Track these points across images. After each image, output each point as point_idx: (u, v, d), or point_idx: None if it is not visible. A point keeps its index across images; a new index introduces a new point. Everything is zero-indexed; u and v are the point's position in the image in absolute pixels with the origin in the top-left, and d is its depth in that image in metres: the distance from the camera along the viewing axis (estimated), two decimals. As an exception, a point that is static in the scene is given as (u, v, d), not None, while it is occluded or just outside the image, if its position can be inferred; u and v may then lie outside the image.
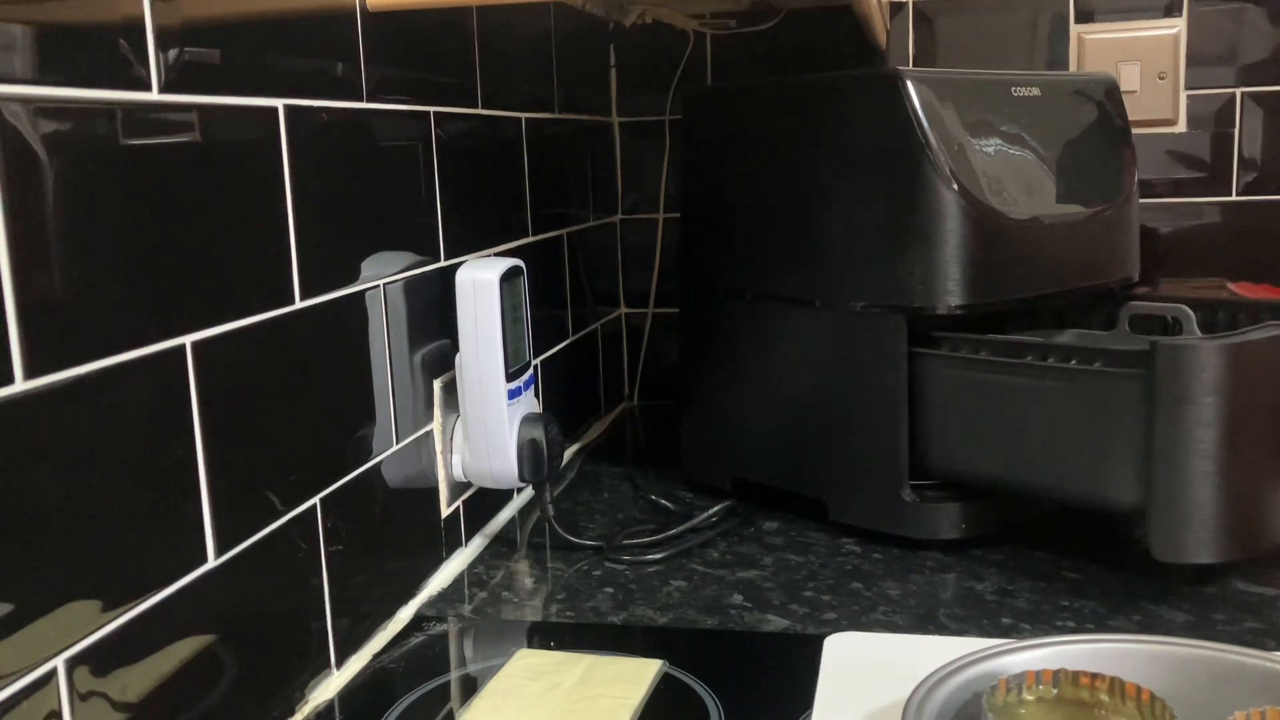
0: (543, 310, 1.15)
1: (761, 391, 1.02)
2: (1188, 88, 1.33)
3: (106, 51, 0.54)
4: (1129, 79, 1.32)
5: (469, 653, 0.80)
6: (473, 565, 0.93)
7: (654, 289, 1.48)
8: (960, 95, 0.91)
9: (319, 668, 0.73)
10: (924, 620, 0.80)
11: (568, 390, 1.25)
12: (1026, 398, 0.86)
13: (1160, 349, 0.78)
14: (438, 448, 0.90)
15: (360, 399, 0.78)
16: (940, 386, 0.90)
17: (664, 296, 1.47)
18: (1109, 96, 1.04)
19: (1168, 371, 0.78)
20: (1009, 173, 0.92)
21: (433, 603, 0.86)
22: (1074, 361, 0.83)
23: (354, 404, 0.77)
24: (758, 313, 1.01)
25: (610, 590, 0.87)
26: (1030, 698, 0.59)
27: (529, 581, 0.90)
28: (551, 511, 0.95)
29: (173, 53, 0.58)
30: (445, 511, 0.92)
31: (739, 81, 1.37)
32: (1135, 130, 1.07)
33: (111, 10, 0.54)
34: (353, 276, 0.77)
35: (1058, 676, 0.59)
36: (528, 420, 0.92)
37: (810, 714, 0.66)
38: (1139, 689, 0.57)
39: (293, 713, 0.69)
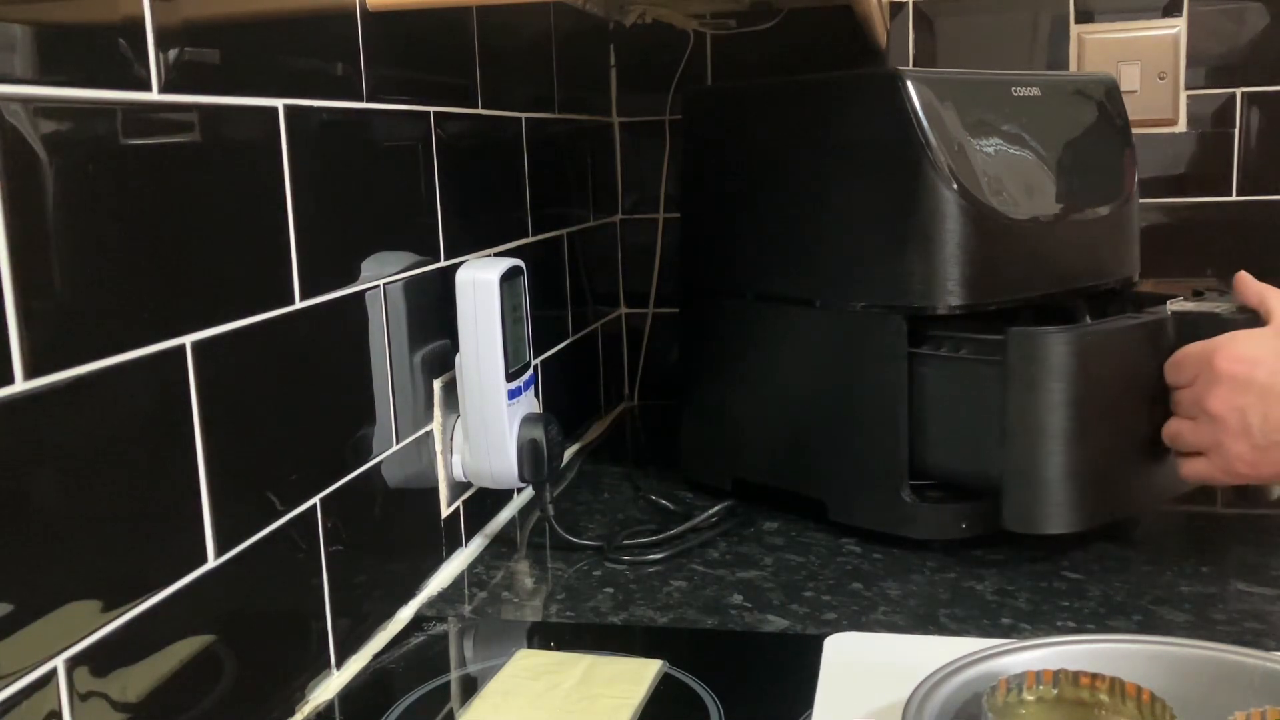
0: (543, 310, 1.15)
1: (761, 391, 1.02)
2: (1188, 88, 1.33)
3: (106, 51, 0.54)
4: (1129, 79, 1.32)
5: (469, 653, 0.80)
6: (473, 565, 0.93)
7: (654, 289, 1.48)
8: (960, 95, 0.91)
9: (319, 668, 0.73)
10: (924, 620, 0.80)
11: (568, 390, 1.25)
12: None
13: (1012, 337, 0.84)
14: (438, 448, 0.90)
15: (360, 399, 0.78)
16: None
17: (664, 296, 1.47)
18: (1109, 96, 1.04)
19: (1018, 359, 0.84)
20: (1009, 173, 0.92)
21: (433, 603, 0.86)
22: (964, 351, 0.90)
23: (354, 404, 0.77)
24: (758, 313, 1.01)
25: (610, 590, 0.87)
26: (1030, 698, 0.59)
27: (529, 581, 0.90)
28: (551, 511, 0.95)
29: (173, 53, 0.58)
30: (445, 511, 0.92)
31: (739, 81, 1.37)
32: (1135, 130, 1.07)
33: (111, 10, 0.54)
34: (353, 276, 0.77)
35: (1058, 676, 0.59)
36: (528, 420, 0.92)
37: (810, 714, 0.66)
38: (1139, 689, 0.57)
39: (293, 713, 0.69)
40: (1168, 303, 0.89)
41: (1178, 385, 0.84)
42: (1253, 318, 0.85)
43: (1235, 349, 0.80)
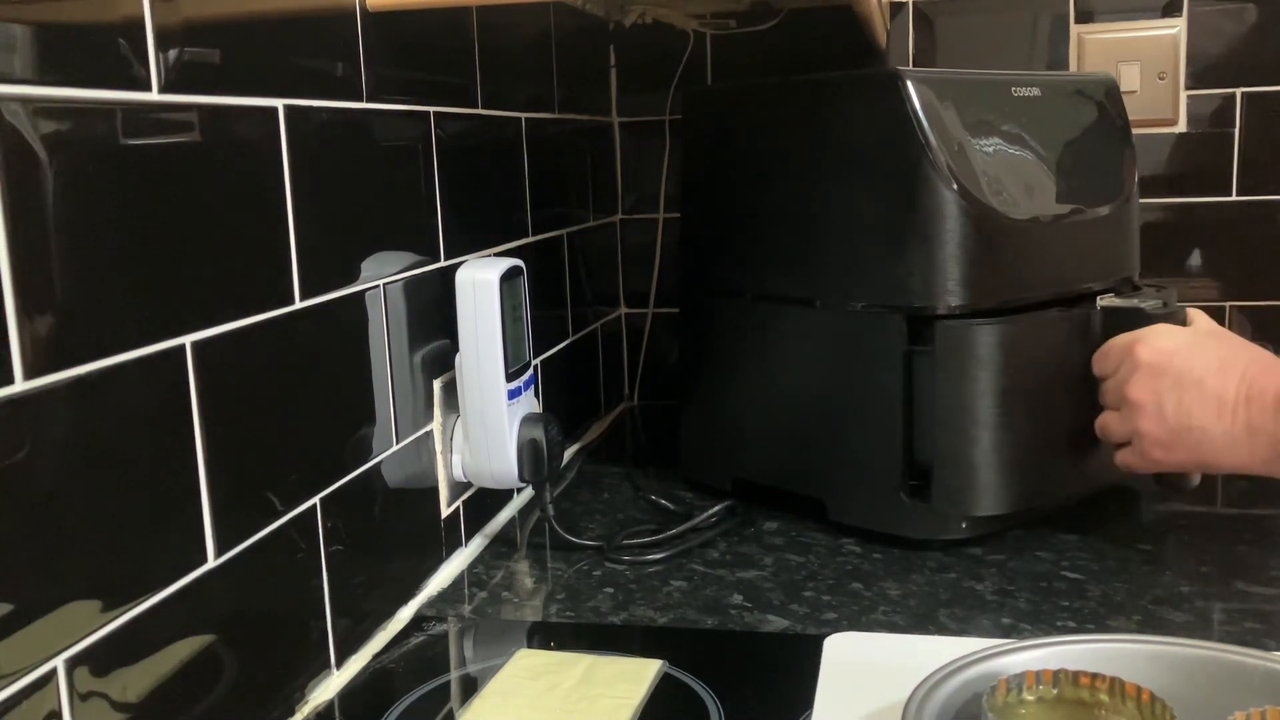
0: (543, 310, 1.15)
1: (761, 391, 1.02)
2: (1188, 88, 1.33)
3: (106, 51, 0.54)
4: (1129, 79, 1.32)
5: (469, 653, 0.80)
6: (473, 565, 0.93)
7: (654, 289, 1.48)
8: (960, 95, 0.91)
9: (319, 668, 0.73)
10: (924, 620, 0.80)
11: (568, 390, 1.25)
12: None
13: (939, 328, 0.87)
14: (438, 448, 0.90)
15: (360, 399, 0.78)
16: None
17: (664, 296, 1.47)
18: (1109, 96, 1.04)
19: (946, 348, 0.87)
20: (1009, 173, 0.92)
21: (433, 603, 0.86)
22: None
23: (354, 404, 0.77)
24: (758, 313, 1.01)
25: (610, 590, 0.87)
26: (1030, 698, 0.59)
27: (529, 581, 0.90)
28: (551, 511, 0.95)
29: (173, 53, 0.58)
30: (445, 511, 0.92)
31: (739, 81, 1.37)
32: (1135, 130, 1.07)
33: (111, 10, 0.54)
34: (353, 276, 0.77)
35: (1058, 676, 0.59)
36: (528, 420, 0.92)
37: (810, 714, 0.66)
38: (1139, 689, 0.57)
39: (293, 713, 0.69)
40: (1098, 298, 0.93)
41: (1104, 376, 0.89)
42: (1175, 314, 0.90)
43: (1154, 340, 0.85)
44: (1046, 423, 0.91)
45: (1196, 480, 0.94)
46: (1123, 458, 0.88)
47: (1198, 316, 0.92)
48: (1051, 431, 0.91)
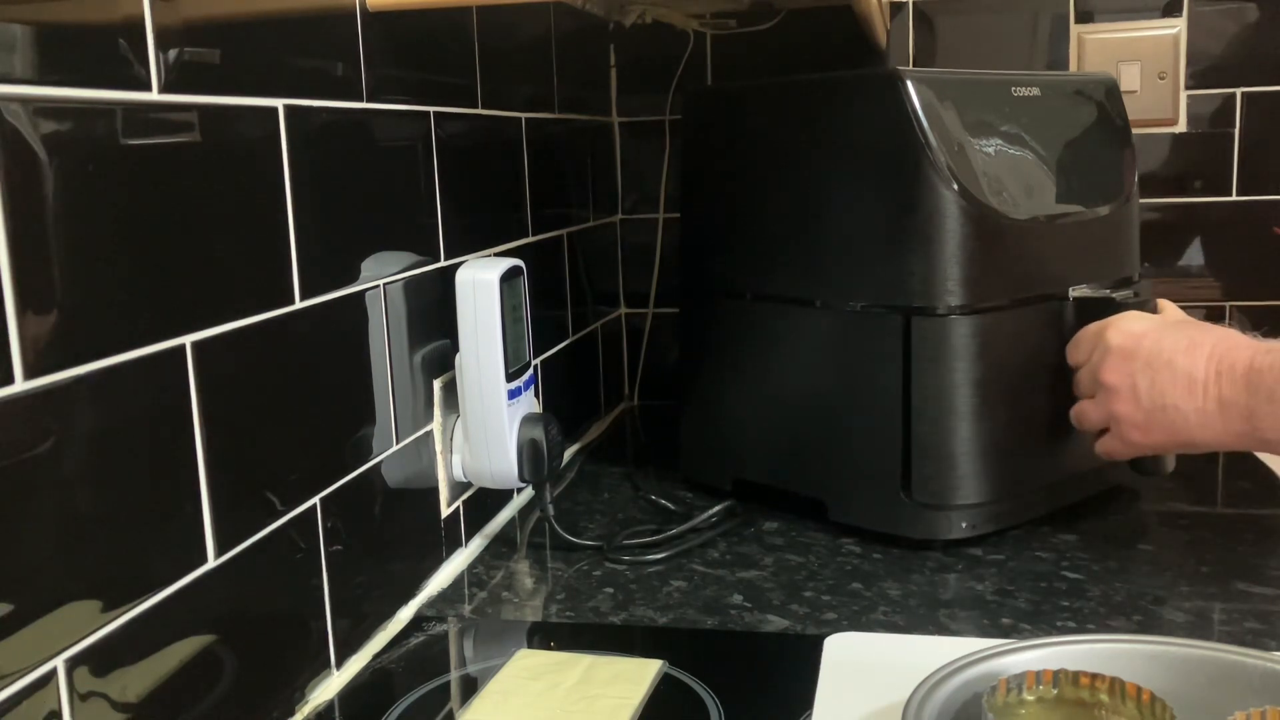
0: (543, 310, 1.15)
1: (761, 391, 1.02)
2: (1188, 88, 1.33)
3: (106, 51, 0.54)
4: (1129, 79, 1.32)
5: (469, 653, 0.80)
6: (473, 565, 0.93)
7: (654, 289, 1.48)
8: (960, 95, 0.91)
9: (319, 668, 0.73)
10: (924, 620, 0.80)
11: (568, 390, 1.25)
12: None
13: (915, 324, 0.89)
14: (438, 448, 0.90)
15: (360, 399, 0.78)
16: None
17: (664, 296, 1.47)
18: (1109, 96, 1.04)
19: (922, 340, 0.89)
20: (1009, 173, 0.92)
21: (433, 603, 0.86)
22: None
23: (354, 404, 0.77)
24: (758, 313, 1.01)
25: (610, 590, 0.87)
26: (1030, 698, 0.59)
27: (529, 581, 0.90)
28: (551, 511, 0.95)
29: (173, 53, 0.58)
30: (445, 511, 0.92)
31: (739, 81, 1.37)
32: (1135, 130, 1.07)
33: (111, 10, 0.54)
34: (353, 276, 0.77)
35: (1058, 676, 0.59)
36: (528, 420, 0.92)
37: (810, 714, 0.66)
38: (1139, 689, 0.57)
39: (293, 713, 0.69)
40: (1070, 289, 0.95)
41: (1077, 364, 0.90)
42: (1146, 304, 0.92)
43: (1124, 324, 0.86)
44: (1024, 412, 0.92)
45: (1172, 464, 0.96)
46: (1102, 445, 0.89)
47: (1167, 306, 0.93)
48: (1030, 420, 0.93)
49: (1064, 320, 0.93)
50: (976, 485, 0.90)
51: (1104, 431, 0.88)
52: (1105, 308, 0.91)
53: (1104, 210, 0.99)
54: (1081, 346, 0.90)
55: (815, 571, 0.90)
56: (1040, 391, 0.93)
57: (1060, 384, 0.92)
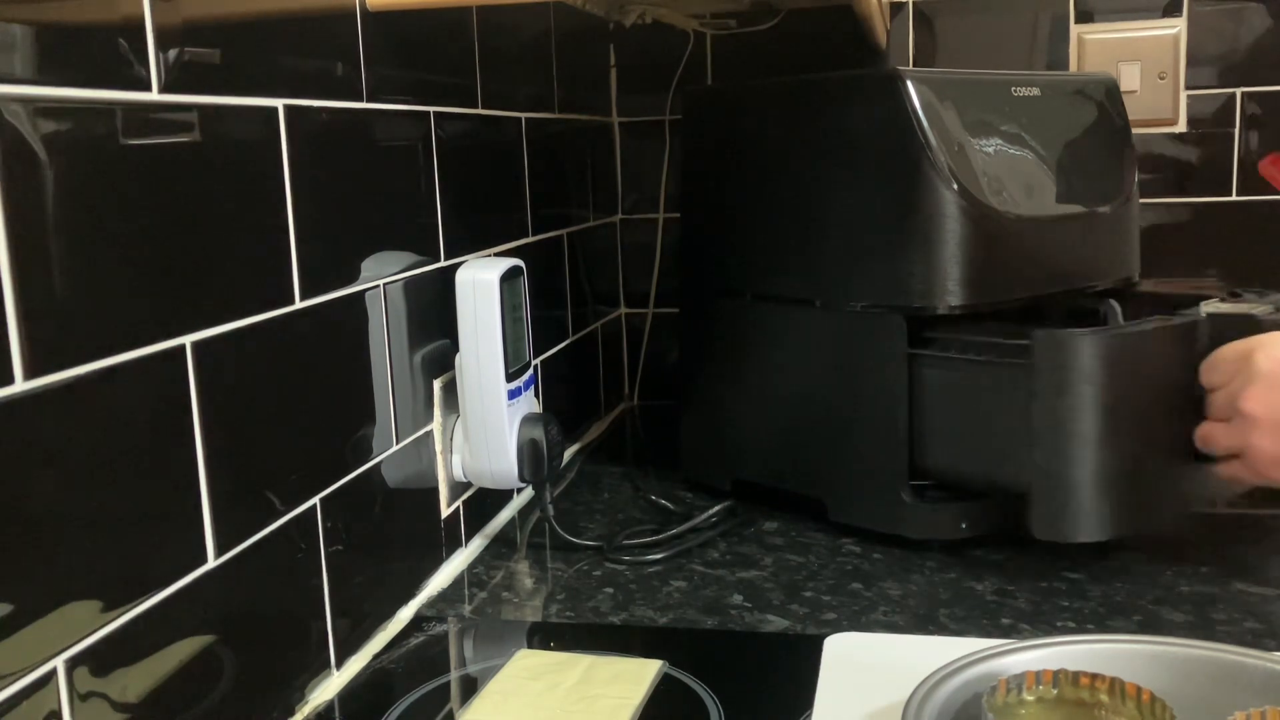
0: (543, 310, 1.15)
1: (761, 391, 1.02)
2: (1188, 88, 1.33)
3: (106, 51, 0.54)
4: (1129, 79, 1.32)
5: (469, 653, 0.80)
6: (473, 565, 0.93)
7: (654, 289, 1.48)
8: (960, 95, 0.91)
9: (319, 668, 0.73)
10: (924, 620, 0.80)
11: (568, 390, 1.25)
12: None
13: (1038, 340, 0.82)
14: (438, 448, 0.90)
15: (360, 399, 0.78)
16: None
17: (664, 296, 1.47)
18: (1109, 96, 1.04)
19: (1045, 362, 0.82)
20: (1009, 173, 0.92)
21: (433, 603, 0.86)
22: (976, 354, 0.88)
23: (354, 404, 0.77)
24: (758, 313, 1.01)
25: (610, 590, 0.87)
26: (1030, 698, 0.59)
27: (529, 581, 0.90)
28: (551, 511, 0.95)
29: (173, 53, 0.58)
30: (445, 511, 0.92)
31: (739, 81, 1.37)
32: (1135, 130, 1.07)
33: (111, 10, 0.54)
34: (353, 276, 0.77)
35: (1058, 676, 0.59)
36: (528, 420, 0.92)
37: (810, 714, 0.66)
38: (1139, 689, 0.57)
39: (292, 713, 0.69)
40: (1201, 304, 0.87)
41: (1213, 386, 0.82)
42: None
43: (1274, 349, 0.79)
44: (1150, 439, 0.84)
45: None
46: (1229, 469, 0.82)
47: None
48: (1155, 448, 0.85)
49: (1195, 338, 0.84)
50: (1099, 520, 0.82)
51: (1230, 455, 0.82)
52: (1245, 326, 0.83)
53: (1104, 210, 0.99)
54: (1221, 369, 0.81)
55: (815, 571, 0.90)
56: (1167, 416, 0.84)
57: (1188, 408, 0.84)
